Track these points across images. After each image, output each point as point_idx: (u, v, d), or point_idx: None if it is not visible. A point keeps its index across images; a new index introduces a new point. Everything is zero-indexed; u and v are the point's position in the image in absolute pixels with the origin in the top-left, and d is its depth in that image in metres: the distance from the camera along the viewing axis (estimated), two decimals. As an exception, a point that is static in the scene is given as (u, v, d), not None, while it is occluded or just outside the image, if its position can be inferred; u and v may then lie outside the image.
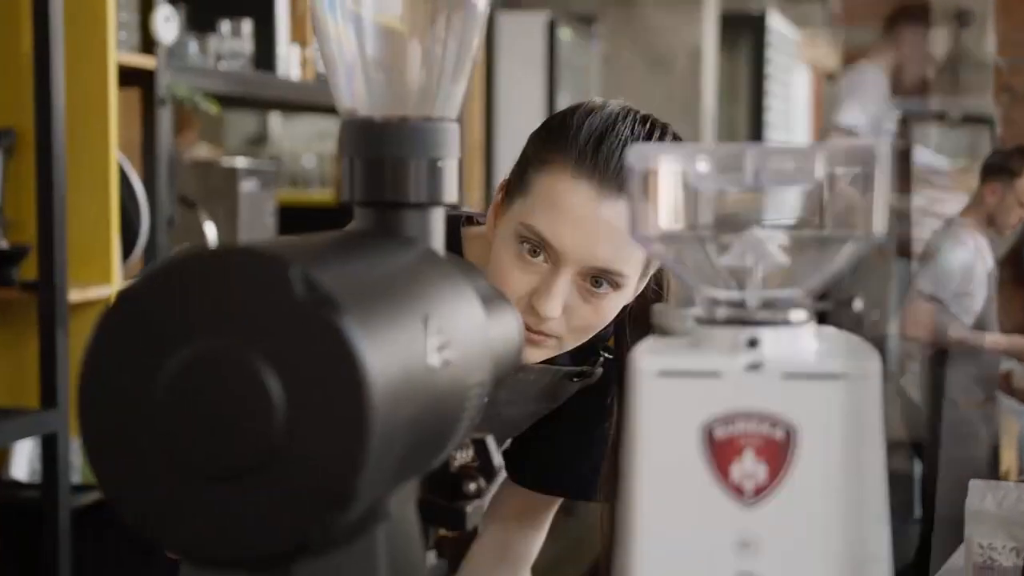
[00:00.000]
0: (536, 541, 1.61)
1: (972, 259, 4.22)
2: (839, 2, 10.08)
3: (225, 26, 3.10)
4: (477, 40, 0.86)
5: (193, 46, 3.01)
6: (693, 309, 0.75)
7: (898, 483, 5.03)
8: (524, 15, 5.83)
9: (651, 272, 1.36)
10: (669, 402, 0.70)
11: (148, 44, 2.71)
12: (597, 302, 1.29)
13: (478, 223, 1.47)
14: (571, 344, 1.33)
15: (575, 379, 1.46)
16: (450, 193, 0.85)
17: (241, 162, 3.23)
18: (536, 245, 1.27)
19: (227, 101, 3.32)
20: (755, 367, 0.70)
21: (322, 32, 0.85)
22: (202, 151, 3.65)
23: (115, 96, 2.54)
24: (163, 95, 2.69)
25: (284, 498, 0.63)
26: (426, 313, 0.71)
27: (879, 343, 4.42)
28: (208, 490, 0.64)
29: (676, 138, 1.35)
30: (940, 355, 4.29)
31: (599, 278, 1.28)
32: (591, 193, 1.24)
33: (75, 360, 2.44)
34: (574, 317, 1.29)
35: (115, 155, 2.54)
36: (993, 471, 4.23)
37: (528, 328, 1.28)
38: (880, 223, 0.71)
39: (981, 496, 2.05)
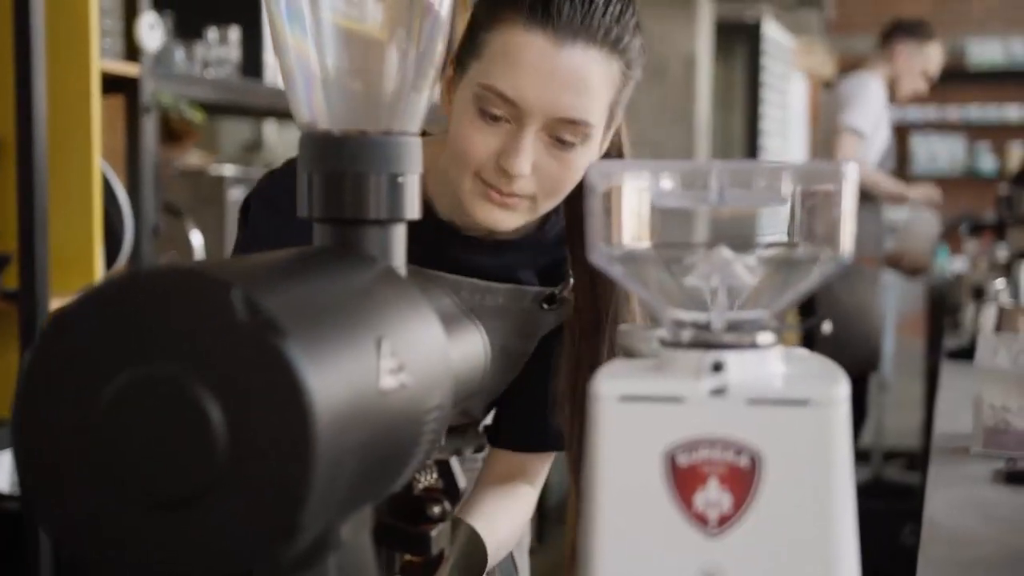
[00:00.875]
0: (523, 509, 1.49)
1: (883, 100, 4.41)
2: (835, 10, 10.07)
3: (212, 33, 3.08)
4: (440, 49, 0.84)
5: (180, 53, 2.98)
6: (658, 331, 0.73)
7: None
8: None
9: (615, 124, 1.34)
10: (630, 428, 0.68)
11: (133, 51, 2.68)
12: (565, 156, 1.26)
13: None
14: (545, 206, 1.30)
15: (546, 305, 1.42)
16: (412, 209, 0.82)
17: (230, 170, 3.21)
18: (496, 105, 1.24)
19: (216, 108, 3.30)
20: (719, 392, 0.67)
21: (280, 43, 0.83)
22: (195, 158, 3.62)
23: (98, 103, 2.51)
24: (147, 103, 2.66)
25: (228, 528, 0.60)
26: (380, 335, 0.69)
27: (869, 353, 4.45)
28: (149, 518, 0.61)
29: None
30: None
31: (564, 134, 1.25)
32: (546, 43, 1.22)
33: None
34: (544, 175, 1.26)
35: (98, 163, 2.51)
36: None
37: (499, 191, 1.27)
38: (848, 244, 0.69)
39: (992, 351, 1.93)
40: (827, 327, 4.52)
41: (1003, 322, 2.88)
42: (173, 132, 3.33)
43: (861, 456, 5.66)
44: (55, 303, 2.42)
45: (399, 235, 0.82)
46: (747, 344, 0.70)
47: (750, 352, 0.69)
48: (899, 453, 5.69)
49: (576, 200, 1.32)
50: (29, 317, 2.34)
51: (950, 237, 9.88)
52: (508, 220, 1.29)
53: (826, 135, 4.47)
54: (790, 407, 0.66)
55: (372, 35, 0.82)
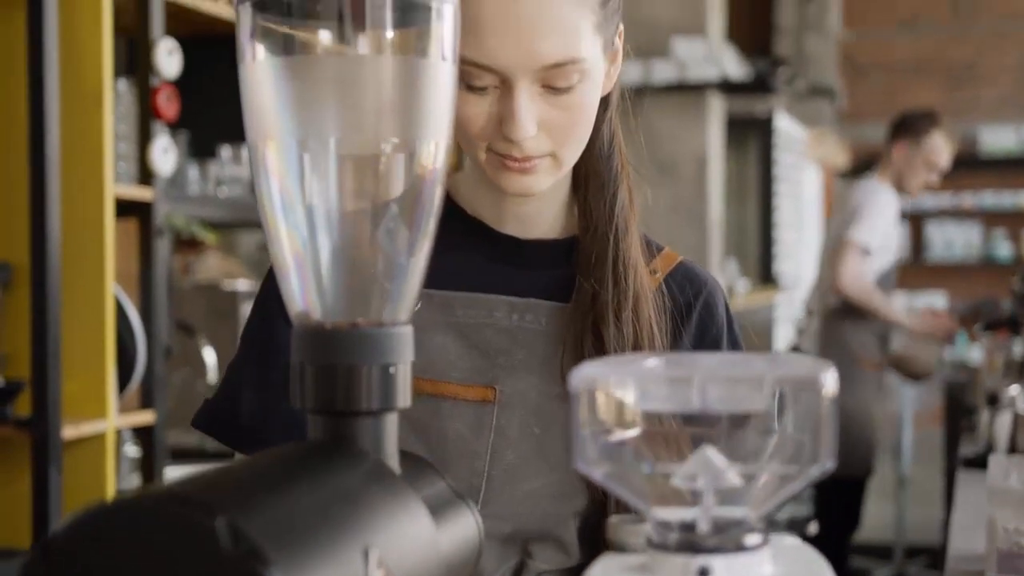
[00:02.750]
0: None
1: (895, 210, 4.42)
2: (846, 99, 10.15)
3: (225, 152, 3.12)
4: (427, 244, 0.85)
5: (193, 172, 3.02)
6: (646, 526, 0.73)
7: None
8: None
9: (617, 38, 1.23)
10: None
11: (146, 175, 2.72)
12: (568, 100, 1.16)
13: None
14: (570, 157, 1.20)
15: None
16: (404, 398, 0.83)
17: (243, 284, 3.23)
18: (476, 76, 1.15)
19: (230, 224, 3.33)
20: (706, 600, 0.67)
21: (272, 235, 0.84)
22: (212, 261, 3.65)
23: (112, 229, 2.54)
24: (160, 225, 2.70)
25: None
26: (367, 543, 0.69)
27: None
28: None
29: None
30: (842, 309, 4.49)
31: (556, 80, 1.15)
32: None
33: (69, 499, 2.42)
34: (553, 127, 1.17)
35: (111, 288, 2.53)
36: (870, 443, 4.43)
37: (513, 159, 1.18)
38: (830, 452, 0.69)
39: (1004, 472, 1.89)
40: (813, 528, 4.59)
41: (1019, 429, 2.86)
42: (190, 240, 3.36)
43: (883, 553, 5.60)
44: (68, 430, 2.43)
45: (391, 424, 0.83)
46: (733, 547, 0.70)
47: (736, 556, 0.69)
48: (921, 549, 5.63)
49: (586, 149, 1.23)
50: (40, 446, 2.35)
51: (968, 325, 9.87)
52: (537, 183, 1.20)
53: (833, 243, 4.48)
54: (776, 618, 0.66)
55: (363, 228, 0.84)
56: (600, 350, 1.20)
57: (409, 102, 0.82)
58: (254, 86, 0.81)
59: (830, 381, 0.69)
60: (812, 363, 0.73)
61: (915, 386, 5.86)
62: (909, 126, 4.56)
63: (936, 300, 10.21)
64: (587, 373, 0.72)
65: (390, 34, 0.80)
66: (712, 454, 0.72)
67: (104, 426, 2.53)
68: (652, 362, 0.75)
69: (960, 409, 4.73)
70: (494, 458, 1.22)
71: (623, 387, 0.72)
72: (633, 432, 0.73)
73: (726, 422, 0.72)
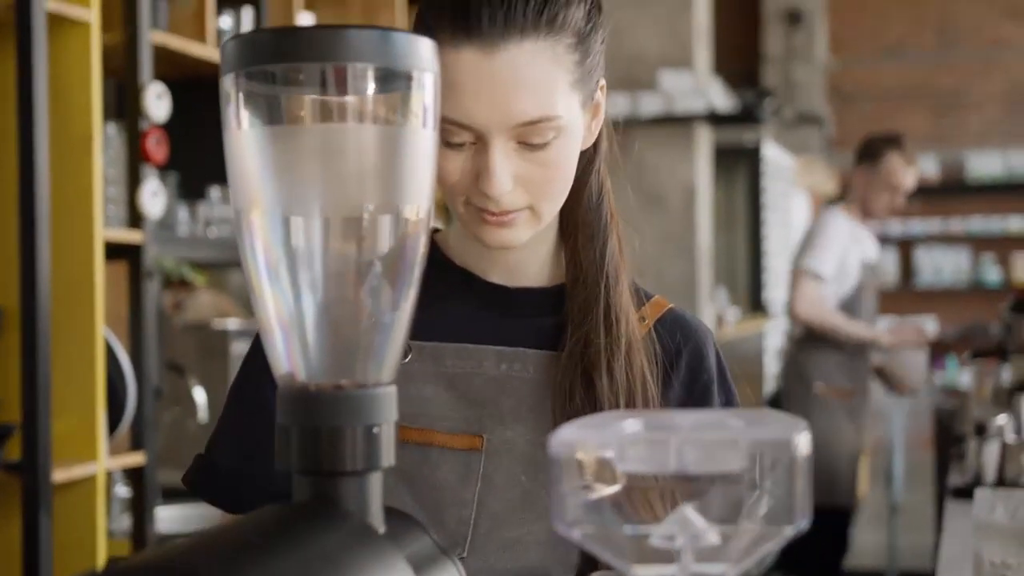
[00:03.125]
0: None
1: (847, 235, 4.40)
2: (834, 127, 10.21)
3: (215, 192, 3.14)
4: (410, 304, 0.86)
5: (183, 213, 3.04)
6: (628, 584, 0.75)
7: None
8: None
9: (596, 93, 1.24)
10: None
11: (136, 218, 2.74)
12: (545, 156, 1.18)
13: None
14: (549, 210, 1.22)
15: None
16: (388, 457, 0.84)
17: (234, 323, 3.24)
18: (454, 133, 1.16)
19: (220, 264, 3.34)
20: (683, 663, 0.69)
21: (257, 298, 0.86)
22: (204, 298, 3.66)
23: (102, 273, 2.56)
24: (150, 268, 2.71)
25: None
26: (352, 608, 0.70)
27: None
28: None
29: None
30: (805, 338, 4.45)
31: (531, 137, 1.16)
32: (476, 54, 1.14)
33: (59, 542, 2.42)
34: (530, 182, 1.18)
35: (101, 331, 2.55)
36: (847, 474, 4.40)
37: (491, 212, 1.19)
38: (804, 511, 0.70)
39: (990, 506, 1.89)
40: None
41: (1007, 459, 2.88)
42: (181, 279, 3.37)
43: (876, 580, 5.61)
44: (58, 474, 2.43)
45: (376, 483, 0.84)
46: (712, 607, 0.71)
47: (715, 614, 0.71)
48: (914, 574, 5.64)
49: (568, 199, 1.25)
50: (31, 490, 2.35)
51: (958, 350, 9.89)
52: (515, 236, 1.22)
53: (795, 272, 4.50)
54: None
55: (347, 291, 0.85)
56: (592, 399, 1.22)
57: (391, 169, 0.83)
58: (239, 154, 0.83)
59: (803, 443, 0.71)
60: (787, 424, 0.74)
61: (904, 399, 5.87)
62: (867, 150, 4.58)
63: (926, 325, 10.23)
64: (567, 436, 0.74)
65: (372, 103, 0.82)
66: (690, 513, 0.73)
67: (95, 468, 2.54)
68: (631, 423, 0.76)
69: (950, 436, 4.74)
70: (481, 506, 1.24)
71: (603, 449, 0.73)
72: (612, 491, 0.75)
73: (704, 482, 0.74)
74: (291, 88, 0.85)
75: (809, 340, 4.47)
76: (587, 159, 1.27)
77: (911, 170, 4.62)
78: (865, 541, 6.76)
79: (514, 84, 1.14)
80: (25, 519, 2.36)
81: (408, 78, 0.83)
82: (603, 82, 1.25)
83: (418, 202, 0.85)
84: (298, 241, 0.84)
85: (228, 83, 0.82)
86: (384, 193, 0.84)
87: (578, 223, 1.31)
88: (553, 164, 1.18)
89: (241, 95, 0.82)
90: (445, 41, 1.14)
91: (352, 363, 0.85)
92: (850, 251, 4.50)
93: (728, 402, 1.33)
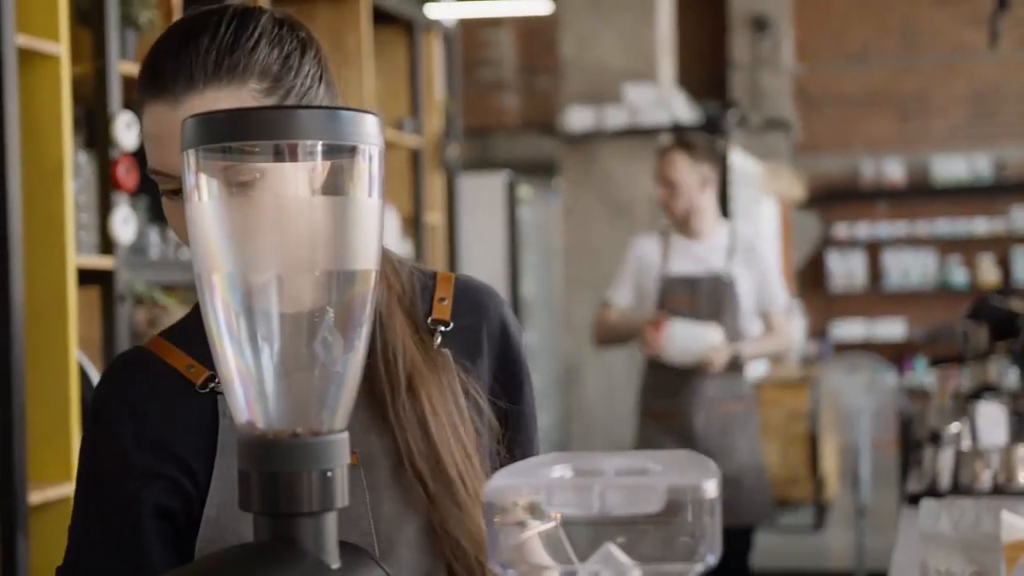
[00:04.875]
0: None
1: (638, 262, 4.10)
2: (802, 132, 10.33)
3: (185, 215, 3.19)
4: (360, 355, 0.93)
5: (154, 236, 3.10)
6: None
7: None
8: (485, 176, 6.01)
9: None
10: None
11: (107, 243, 2.80)
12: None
13: None
14: None
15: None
16: (342, 498, 0.92)
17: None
18: (165, 182, 1.24)
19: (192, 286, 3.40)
20: None
21: (218, 353, 0.93)
22: (178, 315, 3.71)
23: (74, 298, 2.62)
24: (122, 292, 2.77)
25: None
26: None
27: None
28: None
29: (283, 26, 1.26)
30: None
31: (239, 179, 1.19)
32: (166, 107, 1.21)
33: (36, 563, 2.48)
34: None
35: (75, 355, 2.61)
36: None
37: None
38: (715, 547, 0.78)
39: (935, 517, 1.96)
40: None
41: (960, 466, 2.96)
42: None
43: (844, 582, 5.71)
44: (34, 496, 2.49)
45: (331, 522, 0.91)
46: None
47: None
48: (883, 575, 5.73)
49: None
50: (7, 511, 2.41)
51: (927, 351, 10.02)
52: None
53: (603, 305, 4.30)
54: None
55: (301, 347, 0.92)
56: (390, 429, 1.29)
57: (340, 234, 0.91)
58: (200, 222, 0.90)
59: (711, 487, 0.78)
60: (699, 468, 0.82)
61: (869, 400, 5.90)
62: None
63: (895, 327, 10.39)
64: (499, 483, 0.81)
65: (321, 175, 0.90)
66: (614, 550, 0.81)
67: (69, 490, 2.59)
68: (558, 470, 0.84)
69: (912, 440, 4.83)
70: (376, 516, 1.29)
71: (533, 494, 0.81)
72: (542, 532, 0.82)
73: (626, 522, 0.81)
74: (246, 162, 0.92)
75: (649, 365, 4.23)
76: None
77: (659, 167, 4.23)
78: (833, 542, 6.86)
79: None
80: (3, 541, 2.42)
81: (353, 151, 0.90)
82: None
83: (366, 261, 0.93)
84: (255, 300, 0.91)
85: (188, 158, 0.89)
86: (334, 256, 0.91)
87: None
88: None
89: (201, 170, 0.89)
90: (146, 99, 1.22)
91: (307, 411, 0.92)
92: (641, 274, 4.23)
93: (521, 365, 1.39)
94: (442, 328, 1.33)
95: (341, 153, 0.90)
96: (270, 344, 0.92)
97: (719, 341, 4.02)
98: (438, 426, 1.28)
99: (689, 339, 4.01)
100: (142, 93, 1.23)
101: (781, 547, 6.39)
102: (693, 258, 4.14)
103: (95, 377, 2.69)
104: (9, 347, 2.47)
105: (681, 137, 4.35)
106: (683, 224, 4.17)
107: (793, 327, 4.21)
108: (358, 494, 1.27)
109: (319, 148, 0.89)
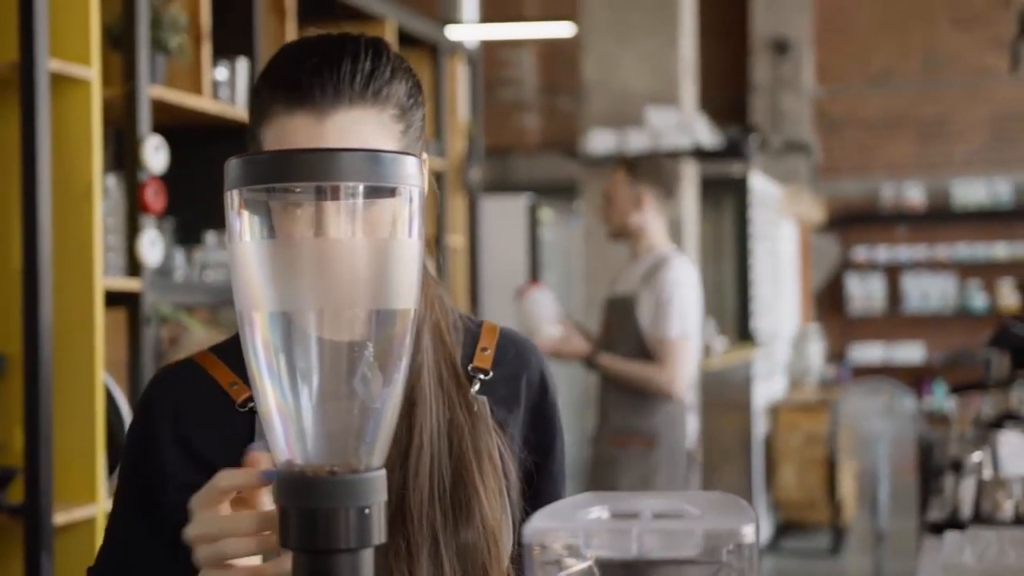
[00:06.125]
0: None
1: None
2: (822, 155, 10.32)
3: (211, 237, 3.22)
4: (398, 392, 0.95)
5: (180, 258, 3.12)
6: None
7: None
8: (507, 198, 6.02)
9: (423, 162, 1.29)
10: None
11: (135, 266, 2.82)
12: (371, 218, 1.16)
13: None
14: None
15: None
16: (379, 535, 0.93)
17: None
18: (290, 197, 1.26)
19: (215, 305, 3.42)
20: None
21: (258, 390, 0.94)
22: (198, 334, 3.73)
23: (102, 320, 2.64)
24: (148, 314, 2.79)
25: None
26: None
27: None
28: None
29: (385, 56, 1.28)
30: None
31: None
32: (308, 118, 1.22)
33: (60, 583, 2.50)
34: None
35: (101, 377, 2.62)
36: None
37: None
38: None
39: (959, 549, 1.96)
40: None
41: (982, 495, 2.95)
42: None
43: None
44: (59, 516, 2.51)
45: (367, 559, 0.92)
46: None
47: None
48: (901, 603, 5.71)
49: None
50: (32, 533, 2.43)
51: (946, 376, 9.99)
52: None
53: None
54: None
55: (340, 386, 0.93)
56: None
57: (381, 275, 0.92)
58: (242, 262, 0.91)
59: (749, 532, 0.79)
60: (739, 513, 0.83)
61: (889, 425, 5.88)
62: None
63: (913, 351, 10.36)
64: (538, 525, 0.82)
65: (362, 217, 0.91)
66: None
67: (95, 511, 2.61)
68: (595, 511, 0.85)
69: (932, 464, 4.79)
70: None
71: (570, 537, 0.82)
72: (579, 572, 0.83)
73: (663, 565, 0.82)
74: (288, 203, 0.93)
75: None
76: None
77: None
78: (850, 567, 6.84)
79: (343, 145, 1.22)
80: (27, 561, 2.44)
81: (394, 192, 0.92)
82: (426, 156, 1.33)
83: (405, 301, 0.94)
84: (294, 338, 0.92)
85: (232, 198, 0.91)
86: (374, 296, 0.92)
87: None
88: (380, 224, 1.25)
89: (244, 210, 0.90)
90: (280, 110, 1.23)
91: (345, 448, 0.93)
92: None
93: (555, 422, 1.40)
94: (481, 376, 1.35)
95: (382, 194, 0.91)
96: (309, 382, 0.93)
97: (555, 332, 3.99)
98: (464, 471, 1.29)
99: (535, 308, 4.04)
100: (280, 104, 1.24)
101: (798, 571, 6.38)
102: (625, 279, 4.13)
103: (121, 400, 2.71)
104: (37, 368, 2.49)
105: (629, 158, 4.37)
106: (626, 241, 4.17)
107: (681, 365, 3.91)
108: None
109: (360, 189, 0.90)
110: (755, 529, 0.80)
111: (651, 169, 4.15)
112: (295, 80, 1.23)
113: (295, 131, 1.23)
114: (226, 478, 1.04)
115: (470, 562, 1.27)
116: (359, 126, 1.23)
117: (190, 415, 1.31)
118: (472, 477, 1.29)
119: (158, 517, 1.29)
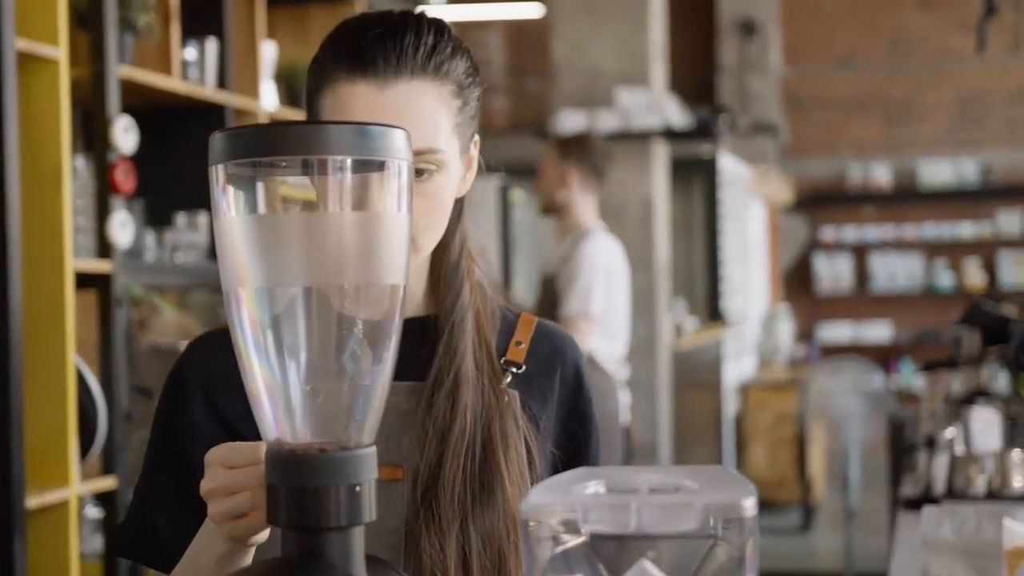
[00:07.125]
0: None
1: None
2: (790, 135, 10.34)
3: (181, 219, 3.19)
4: (388, 369, 0.93)
5: (150, 239, 3.09)
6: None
7: None
8: (477, 180, 5.97)
9: (473, 142, 1.33)
10: None
11: (105, 248, 2.79)
12: (427, 187, 1.25)
13: None
14: (426, 241, 1.29)
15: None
16: (369, 512, 0.91)
17: (199, 345, 3.28)
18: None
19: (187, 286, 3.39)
20: None
21: (246, 369, 0.92)
22: (168, 317, 3.70)
23: (72, 302, 2.61)
24: (119, 296, 2.76)
25: None
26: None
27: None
28: None
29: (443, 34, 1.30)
30: None
31: (417, 164, 1.22)
32: (370, 88, 1.24)
33: (33, 567, 2.47)
34: (414, 211, 1.20)
35: (72, 359, 2.60)
36: None
37: None
38: (753, 568, 0.78)
39: (937, 523, 1.96)
40: None
41: (955, 471, 2.97)
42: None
43: (833, 584, 5.72)
44: (31, 500, 2.48)
45: (358, 536, 0.91)
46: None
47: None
48: (872, 577, 5.75)
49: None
50: (4, 514, 2.40)
51: (913, 354, 10.06)
52: None
53: None
54: None
55: (329, 362, 0.92)
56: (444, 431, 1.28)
57: (369, 250, 0.91)
58: (228, 237, 0.90)
59: (749, 505, 0.78)
60: (737, 487, 0.82)
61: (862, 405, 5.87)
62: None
63: (881, 329, 10.42)
64: (536, 500, 0.81)
65: (350, 190, 0.90)
66: (649, 567, 0.81)
67: (67, 494, 2.59)
68: (592, 486, 0.84)
69: (903, 441, 4.81)
70: (409, 533, 1.28)
71: (568, 512, 0.81)
72: (577, 547, 0.82)
73: (661, 539, 0.81)
74: (274, 177, 0.92)
75: None
76: (457, 211, 1.34)
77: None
78: (821, 544, 6.88)
79: (400, 116, 1.23)
80: (0, 545, 2.41)
81: (382, 166, 0.90)
82: (477, 138, 1.34)
83: (395, 276, 0.93)
84: (282, 315, 0.91)
85: (216, 173, 0.89)
86: (362, 271, 0.91)
87: (441, 272, 1.36)
88: (434, 196, 1.26)
89: (229, 185, 0.89)
90: (341, 76, 1.24)
91: (335, 426, 0.92)
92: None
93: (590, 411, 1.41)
94: (513, 370, 1.35)
95: (370, 168, 0.90)
96: (297, 359, 0.92)
97: None
98: (491, 455, 1.28)
99: None
100: (342, 72, 1.24)
101: (769, 548, 6.41)
102: (553, 258, 4.21)
103: (92, 381, 2.69)
104: (7, 351, 2.46)
105: (561, 137, 4.43)
106: (554, 217, 4.19)
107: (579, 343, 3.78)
108: (396, 508, 1.26)
109: (348, 163, 0.89)
110: (754, 503, 0.79)
111: (579, 148, 4.17)
112: (358, 49, 1.24)
113: (355, 99, 1.24)
114: (241, 456, 1.03)
115: (490, 546, 1.26)
116: (418, 98, 1.25)
117: (220, 383, 1.30)
118: (498, 462, 1.28)
119: (189, 478, 1.27)
